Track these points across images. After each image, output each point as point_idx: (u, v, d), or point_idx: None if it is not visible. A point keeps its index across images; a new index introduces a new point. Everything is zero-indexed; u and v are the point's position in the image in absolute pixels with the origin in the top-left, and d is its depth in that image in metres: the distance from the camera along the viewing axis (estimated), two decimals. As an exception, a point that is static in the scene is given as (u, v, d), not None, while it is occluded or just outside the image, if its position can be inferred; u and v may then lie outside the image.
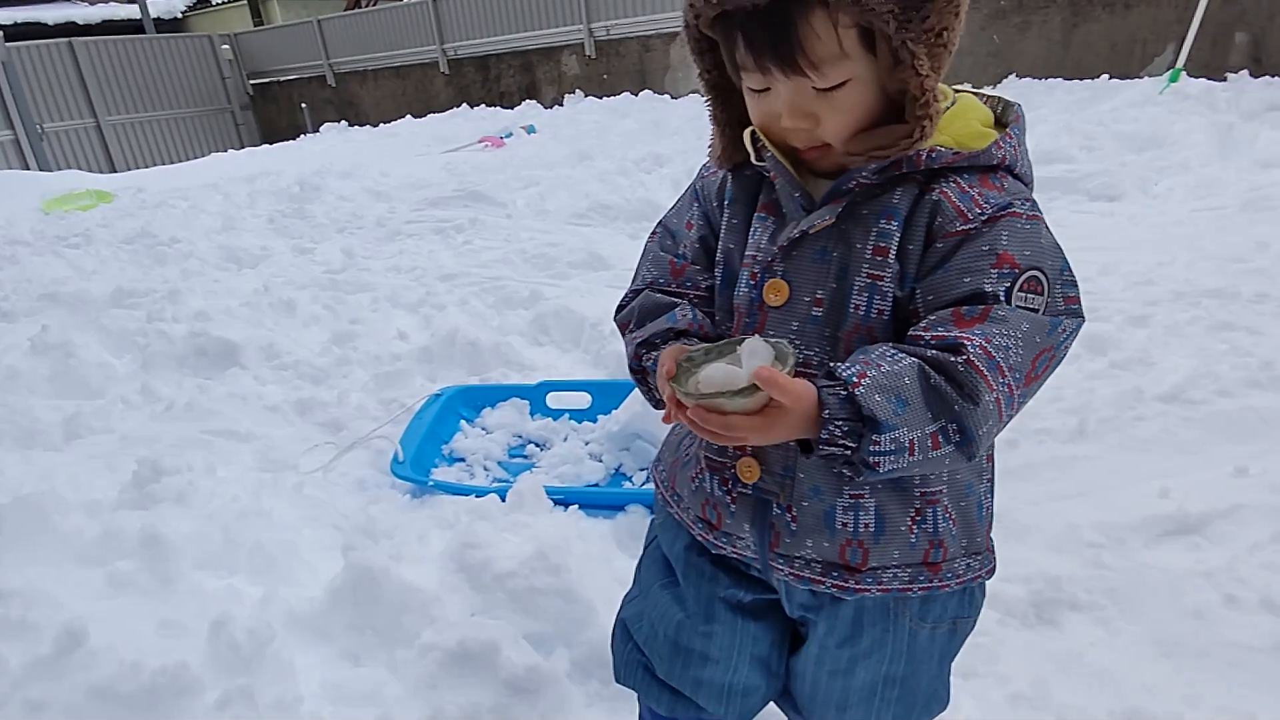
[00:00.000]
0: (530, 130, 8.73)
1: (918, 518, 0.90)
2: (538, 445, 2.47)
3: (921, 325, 0.81)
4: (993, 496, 0.98)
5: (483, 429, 2.54)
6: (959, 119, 0.85)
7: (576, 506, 2.04)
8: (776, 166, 0.87)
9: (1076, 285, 0.84)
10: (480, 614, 1.60)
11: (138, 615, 1.53)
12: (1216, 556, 1.72)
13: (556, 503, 2.03)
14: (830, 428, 0.77)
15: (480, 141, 8.38)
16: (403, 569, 1.68)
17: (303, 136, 12.20)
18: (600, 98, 10.31)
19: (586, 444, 2.39)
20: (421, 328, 3.38)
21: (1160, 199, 4.22)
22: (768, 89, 0.82)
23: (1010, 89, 7.49)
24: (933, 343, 0.79)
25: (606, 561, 1.82)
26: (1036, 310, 0.81)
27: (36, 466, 2.27)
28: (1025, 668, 1.48)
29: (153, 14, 16.31)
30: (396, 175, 6.79)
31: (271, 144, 11.82)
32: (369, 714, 1.38)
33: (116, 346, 3.33)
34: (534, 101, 11.07)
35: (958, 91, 0.91)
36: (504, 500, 2.00)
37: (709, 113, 0.91)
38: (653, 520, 1.14)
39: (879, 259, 0.84)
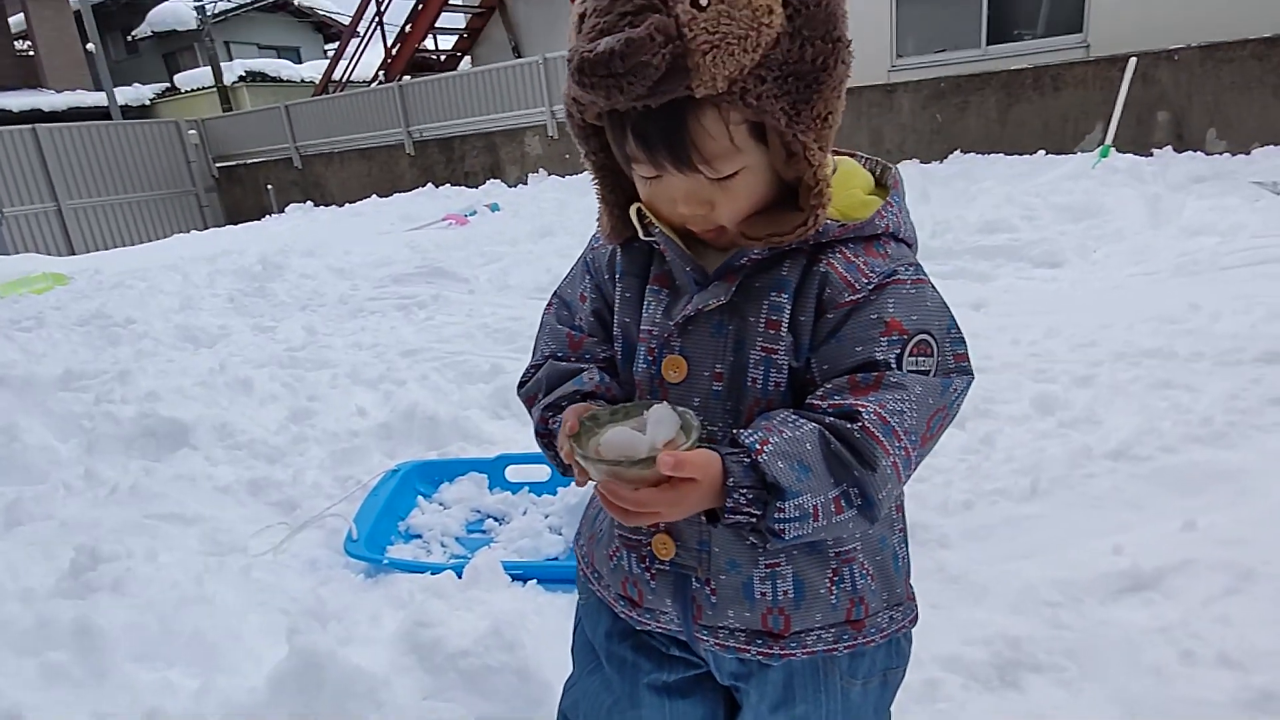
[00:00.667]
0: (494, 208, 8.89)
1: (835, 578, 0.90)
2: (496, 519, 2.43)
3: (819, 394, 0.83)
4: (907, 546, 0.98)
5: (440, 504, 2.50)
6: (842, 188, 0.86)
7: (535, 581, 1.99)
8: (667, 241, 0.87)
9: (964, 342, 0.86)
10: (432, 697, 1.54)
11: (70, 708, 1.45)
12: (1172, 612, 1.73)
13: (514, 578, 1.98)
14: (735, 495, 0.77)
15: (444, 219, 8.50)
16: (351, 652, 1.62)
17: (267, 217, 12.26)
18: (562, 176, 10.57)
19: (546, 517, 2.36)
20: (381, 404, 3.34)
21: (1099, 265, 4.40)
22: (659, 176, 0.81)
23: (955, 164, 7.86)
24: (830, 410, 0.81)
25: (564, 637, 1.76)
26: (928, 372, 0.82)
27: (-32, 557, 2.17)
28: (989, 733, 1.46)
29: (122, 101, 16.50)
30: (360, 253, 6.83)
31: (236, 224, 11.85)
32: (310, 810, 1.31)
33: (62, 430, 3.23)
34: (498, 180, 11.31)
35: (837, 155, 0.91)
36: (460, 577, 1.96)
37: (596, 192, 0.91)
38: (578, 602, 1.12)
39: (772, 333, 0.84)
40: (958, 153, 8.31)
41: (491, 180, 11.37)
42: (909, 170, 7.94)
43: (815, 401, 0.82)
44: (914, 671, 1.61)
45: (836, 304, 0.83)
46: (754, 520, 0.78)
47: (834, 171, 0.87)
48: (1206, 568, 1.82)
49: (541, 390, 0.96)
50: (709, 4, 0.70)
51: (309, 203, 13.02)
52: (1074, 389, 2.75)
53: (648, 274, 0.92)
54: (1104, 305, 3.66)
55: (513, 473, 2.56)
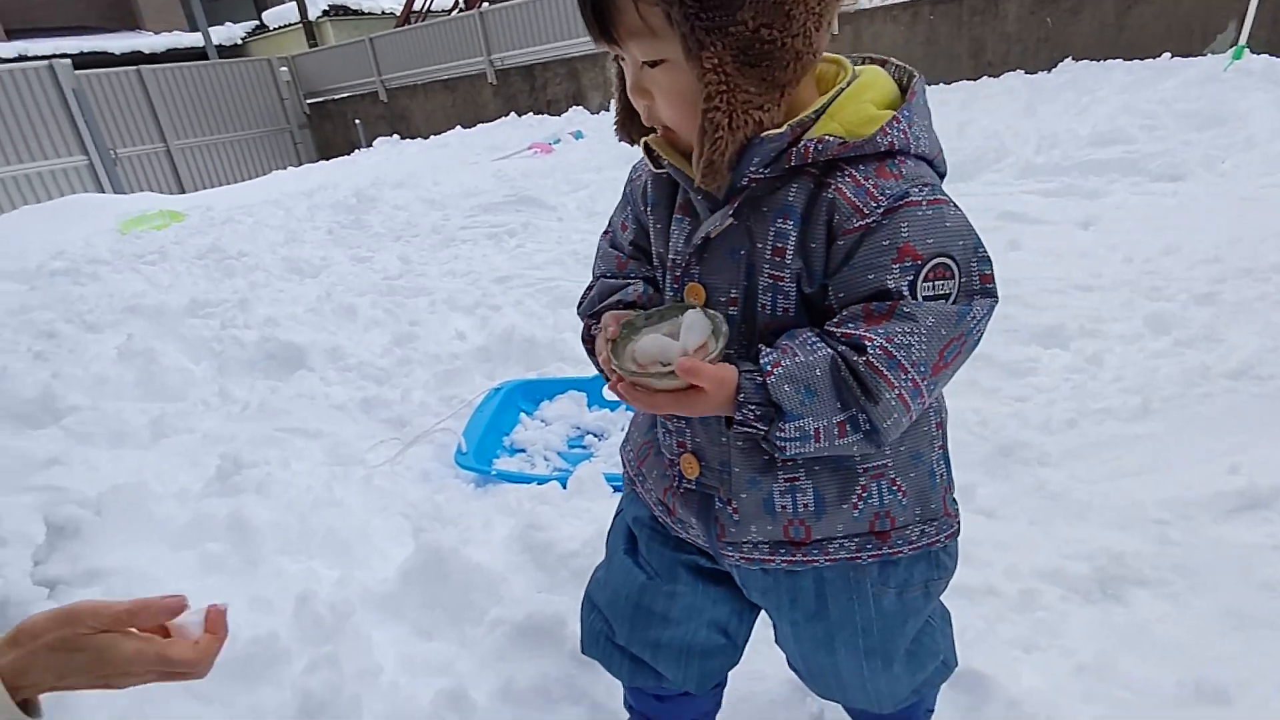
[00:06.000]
0: (578, 135, 8.85)
1: (863, 494, 0.92)
2: (596, 435, 2.53)
3: (835, 320, 0.83)
4: (948, 464, 0.98)
5: (542, 421, 2.61)
6: (852, 102, 0.82)
7: (634, 492, 2.08)
8: (674, 170, 0.89)
9: (990, 262, 0.83)
10: (545, 591, 1.66)
11: (229, 592, 1.62)
12: (1289, 531, 1.67)
13: (616, 489, 2.08)
14: (744, 410, 0.81)
15: (529, 148, 8.53)
16: (470, 551, 1.75)
17: (357, 151, 12.57)
18: (645, 101, 10.35)
19: (642, 434, 2.43)
20: (479, 328, 3.47)
21: (1226, 177, 4.08)
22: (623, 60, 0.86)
23: (1065, 73, 7.32)
24: (842, 339, 0.82)
25: (665, 543, 1.86)
26: (948, 296, 0.81)
27: (127, 463, 2.42)
28: (1089, 642, 1.47)
29: (215, 40, 16.99)
30: (448, 184, 6.96)
31: (328, 160, 12.21)
32: (444, 684, 1.45)
33: (194, 353, 3.50)
34: (581, 108, 11.21)
35: (868, 62, 0.89)
36: (565, 487, 2.06)
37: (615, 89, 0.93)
38: (621, 496, 1.19)
39: (778, 259, 0.85)
40: (1069, 60, 7.72)
41: (575, 107, 11.28)
42: (1012, 82, 7.45)
43: (831, 329, 0.83)
44: (1009, 581, 1.64)
45: (845, 230, 0.81)
46: (761, 433, 0.83)
47: (850, 81, 0.84)
48: (1331, 488, 1.74)
49: (591, 304, 1.02)
50: None
51: (395, 136, 13.25)
52: (1192, 307, 2.61)
53: (673, 202, 0.95)
54: (1230, 220, 3.41)
55: (610, 392, 2.64)
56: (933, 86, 8.21)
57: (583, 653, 1.19)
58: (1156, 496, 1.80)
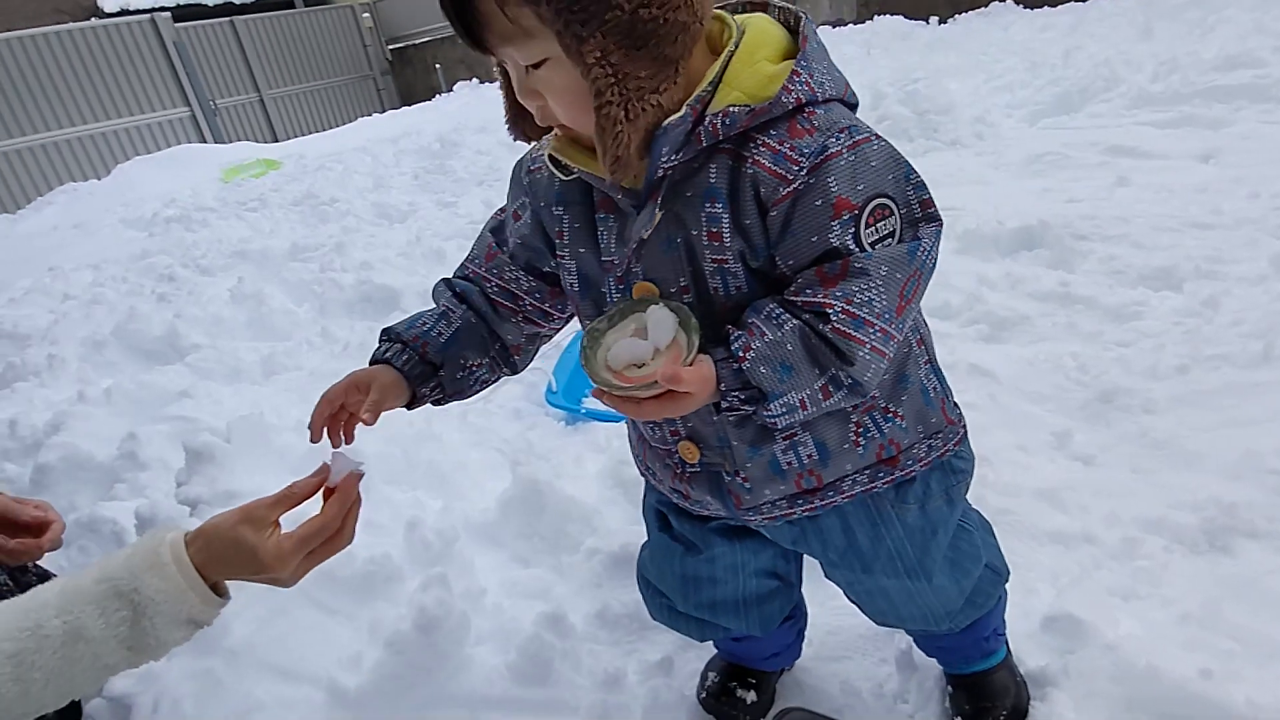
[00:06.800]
0: (656, 75, 8.69)
1: (860, 429, 0.93)
2: (680, 377, 2.55)
3: (792, 289, 0.83)
4: (938, 376, 0.99)
5: (627, 363, 2.65)
6: (746, 65, 0.80)
7: (721, 433, 2.11)
8: (587, 175, 0.86)
9: (925, 187, 0.82)
10: (639, 525, 1.71)
11: (345, 517, 1.74)
12: None
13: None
14: (729, 399, 0.82)
15: (607, 90, 8.43)
16: (564, 485, 1.83)
17: (438, 96, 12.69)
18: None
19: (727, 376, 2.45)
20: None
21: (1371, 103, 3.71)
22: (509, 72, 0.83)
23: (1188, -9, 6.70)
24: (804, 308, 0.81)
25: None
26: (893, 233, 0.80)
27: (245, 397, 2.60)
28: (1194, 592, 1.43)
29: (299, -13, 17.27)
30: (529, 128, 6.98)
31: (410, 105, 12.40)
32: (543, 607, 1.53)
33: (297, 295, 3.69)
34: (658, 46, 10.96)
35: (749, 8, 0.86)
36: (652, 426, 2.11)
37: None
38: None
39: (716, 244, 0.84)
40: (1192, -24, 7.05)
41: (651, 46, 11.04)
42: (1127, 1, 6.89)
43: (791, 298, 0.83)
44: (1108, 529, 1.60)
45: (776, 200, 0.80)
46: (749, 413, 0.84)
47: (740, 39, 0.80)
48: None
49: (409, 322, 1.04)
50: None
51: (475, 80, 13.30)
52: (1326, 246, 2.42)
53: (590, 200, 0.91)
54: (1374, 151, 3.11)
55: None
56: (1036, 10, 7.67)
57: (653, 620, 1.25)
58: (1275, 446, 1.72)
